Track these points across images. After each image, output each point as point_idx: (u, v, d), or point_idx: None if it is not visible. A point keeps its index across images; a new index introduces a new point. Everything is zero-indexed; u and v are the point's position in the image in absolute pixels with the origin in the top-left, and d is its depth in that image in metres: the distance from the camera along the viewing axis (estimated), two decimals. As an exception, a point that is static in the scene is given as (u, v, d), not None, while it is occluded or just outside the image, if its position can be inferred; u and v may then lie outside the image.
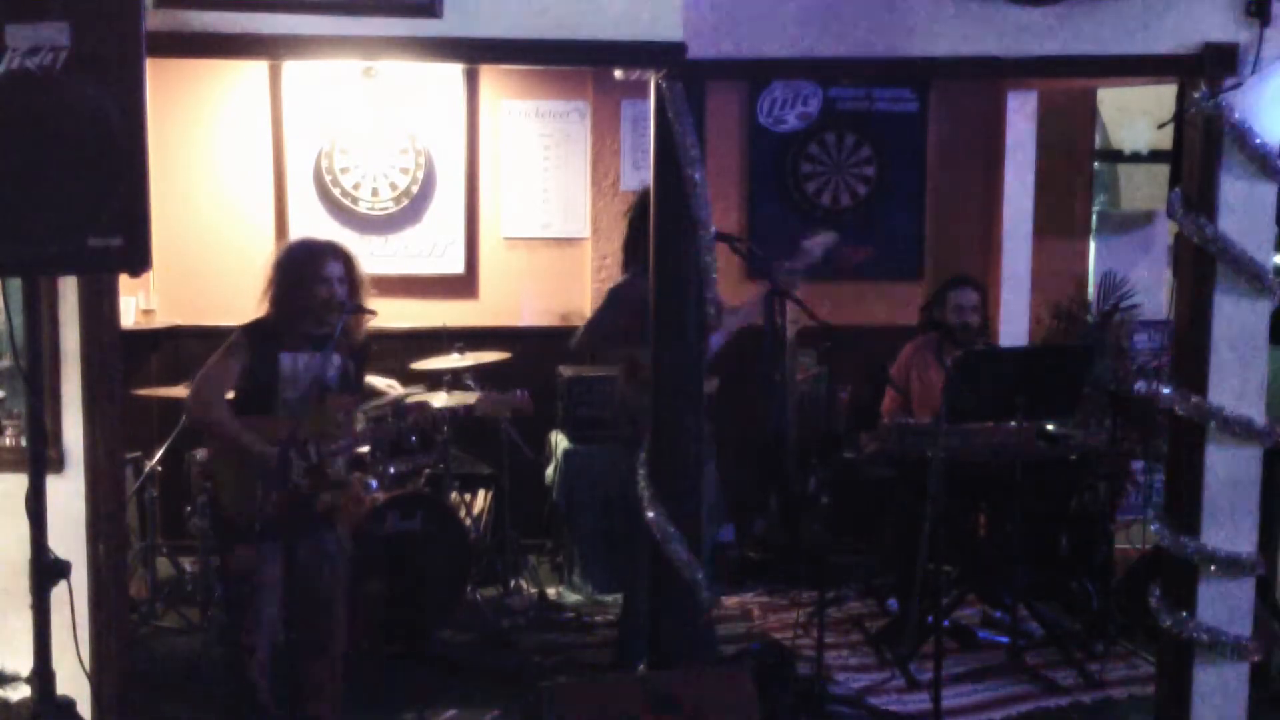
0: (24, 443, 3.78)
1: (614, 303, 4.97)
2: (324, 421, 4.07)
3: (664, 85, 3.91)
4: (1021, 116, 6.78)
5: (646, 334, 4.79)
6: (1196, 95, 3.90)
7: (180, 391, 5.44)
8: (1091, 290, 6.99)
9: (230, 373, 4.01)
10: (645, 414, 4.81)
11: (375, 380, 5.16)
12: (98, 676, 3.68)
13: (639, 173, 6.66)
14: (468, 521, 5.79)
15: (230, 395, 4.08)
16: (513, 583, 5.91)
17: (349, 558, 4.22)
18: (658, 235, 4.09)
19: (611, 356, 5.09)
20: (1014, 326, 6.83)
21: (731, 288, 5.61)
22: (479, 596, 5.73)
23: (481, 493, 6.29)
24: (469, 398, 5.26)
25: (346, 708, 4.27)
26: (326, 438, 4.07)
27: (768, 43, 3.91)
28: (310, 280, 4.02)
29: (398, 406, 4.92)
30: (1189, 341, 4.05)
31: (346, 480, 4.20)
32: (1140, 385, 6.58)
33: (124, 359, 3.87)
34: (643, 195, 4.64)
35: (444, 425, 5.57)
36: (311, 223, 6.44)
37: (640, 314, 4.82)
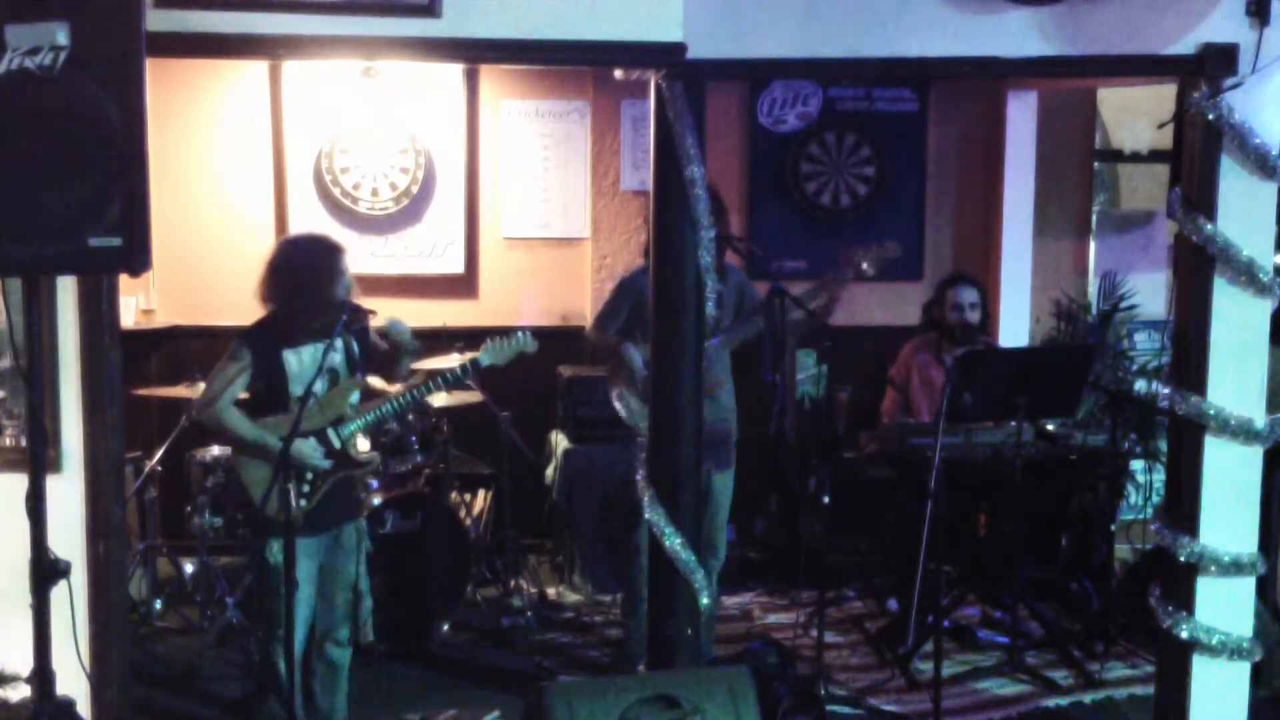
0: (24, 443, 3.77)
1: (621, 292, 5.01)
2: (338, 406, 4.09)
3: (664, 85, 3.90)
4: (1021, 116, 6.78)
5: (642, 328, 4.81)
6: (1196, 95, 3.90)
7: (180, 391, 5.45)
8: (1091, 290, 6.99)
9: (234, 378, 4.01)
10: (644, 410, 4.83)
11: (375, 380, 5.15)
12: (98, 676, 3.68)
13: (639, 173, 6.66)
14: (468, 521, 5.79)
15: (244, 395, 4.09)
16: (513, 583, 5.90)
17: (367, 552, 4.24)
18: (658, 235, 4.09)
19: (610, 354, 5.10)
20: (1014, 326, 6.83)
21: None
22: (479, 596, 5.73)
23: (481, 493, 6.29)
24: (471, 394, 5.27)
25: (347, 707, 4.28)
26: (341, 422, 4.09)
27: (768, 43, 3.90)
28: (332, 278, 4.02)
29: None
30: (1189, 341, 4.04)
31: (372, 459, 4.24)
32: (1140, 385, 6.63)
33: (124, 359, 3.87)
34: None
35: (444, 425, 5.59)
36: (311, 223, 6.43)
37: (636, 306, 4.85)
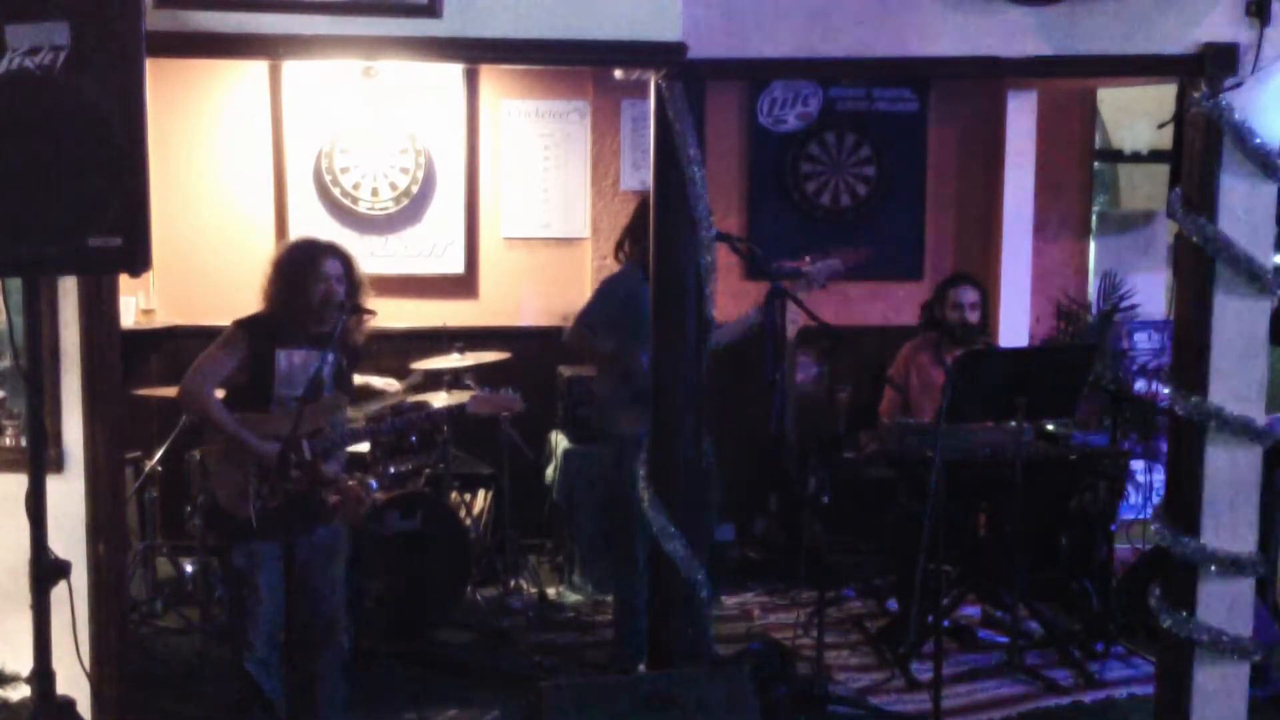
0: (24, 443, 3.78)
1: (604, 294, 4.98)
2: (317, 419, 4.08)
3: (664, 85, 3.90)
4: (1021, 116, 6.78)
5: (632, 328, 4.79)
6: (1196, 95, 3.90)
7: (180, 392, 5.45)
8: (1091, 290, 7.00)
9: (224, 364, 4.00)
10: (625, 409, 4.82)
11: (373, 380, 5.15)
12: (98, 676, 3.69)
13: (639, 173, 6.66)
14: (468, 521, 5.79)
15: (222, 394, 4.08)
16: (513, 583, 5.90)
17: (348, 553, 4.21)
18: (658, 235, 4.09)
19: (595, 354, 5.07)
20: (1014, 326, 6.83)
21: (732, 288, 5.62)
22: (479, 596, 5.73)
23: (481, 493, 6.29)
24: (465, 397, 5.26)
25: (347, 707, 4.27)
26: (318, 435, 4.08)
27: (768, 43, 3.91)
28: (308, 278, 4.02)
29: (396, 407, 4.92)
30: (1189, 341, 4.04)
31: (339, 478, 4.21)
32: (1140, 385, 6.63)
33: (124, 359, 3.87)
34: (648, 197, 4.66)
35: (443, 425, 5.58)
36: (311, 223, 6.43)
37: (629, 308, 4.82)
